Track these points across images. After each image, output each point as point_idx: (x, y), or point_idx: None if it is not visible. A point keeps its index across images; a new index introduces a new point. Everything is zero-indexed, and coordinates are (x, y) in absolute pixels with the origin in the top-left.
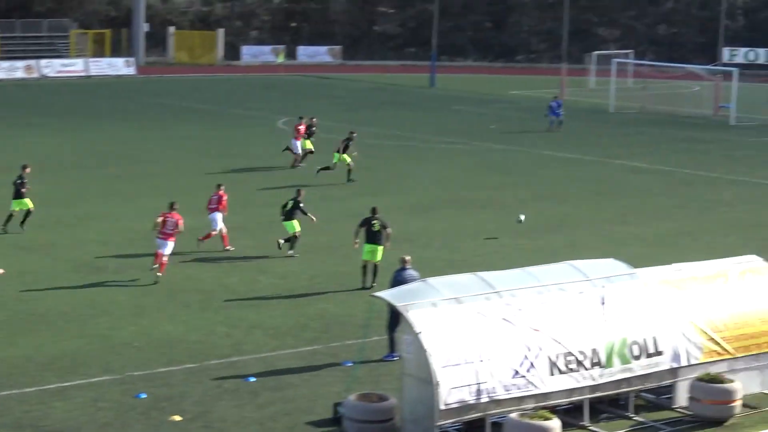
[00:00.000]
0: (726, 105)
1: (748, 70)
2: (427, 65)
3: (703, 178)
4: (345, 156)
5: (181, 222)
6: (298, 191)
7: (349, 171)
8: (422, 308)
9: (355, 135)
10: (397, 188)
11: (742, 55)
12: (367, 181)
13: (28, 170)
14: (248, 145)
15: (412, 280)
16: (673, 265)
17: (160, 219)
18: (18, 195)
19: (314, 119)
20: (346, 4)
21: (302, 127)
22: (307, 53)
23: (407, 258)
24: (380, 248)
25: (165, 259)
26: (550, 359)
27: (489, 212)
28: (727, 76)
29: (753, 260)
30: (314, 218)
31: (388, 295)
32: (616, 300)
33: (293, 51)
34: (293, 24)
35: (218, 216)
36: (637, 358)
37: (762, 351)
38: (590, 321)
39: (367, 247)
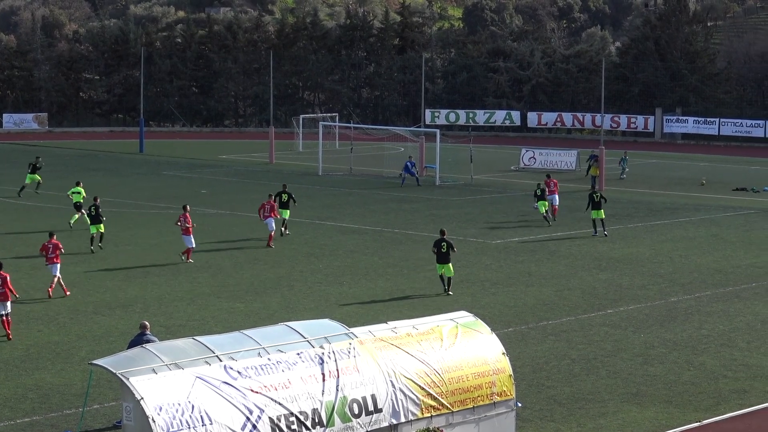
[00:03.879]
0: (431, 165)
1: (450, 131)
2: (135, 131)
3: (412, 237)
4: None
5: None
6: (284, 185)
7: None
8: (143, 374)
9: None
10: (110, 254)
11: (443, 116)
12: (81, 249)
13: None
14: None
15: None
16: (389, 323)
17: None
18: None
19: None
20: (50, 71)
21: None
22: (12, 121)
23: (147, 324)
24: (449, 265)
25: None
26: (272, 420)
27: (205, 274)
28: (430, 137)
29: (464, 316)
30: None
31: (107, 362)
32: (334, 359)
33: None
34: None
35: (272, 220)
36: (357, 416)
37: (477, 404)
38: (310, 381)
39: (438, 266)
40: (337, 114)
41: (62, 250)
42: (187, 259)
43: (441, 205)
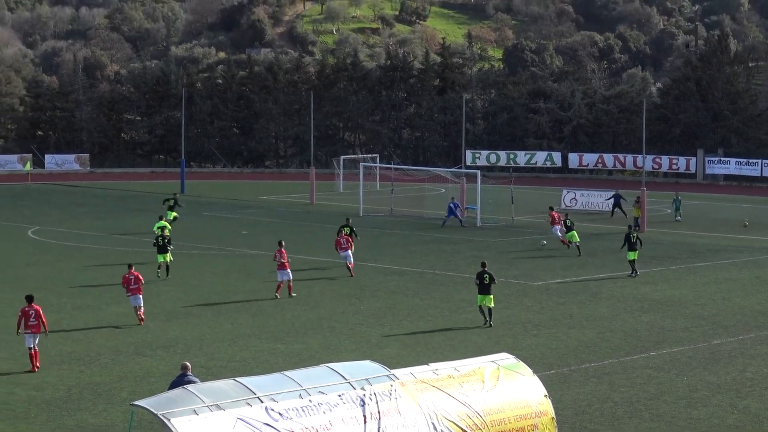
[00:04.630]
0: (472, 207)
1: (491, 172)
2: (176, 172)
3: (452, 278)
4: (574, 233)
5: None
6: (347, 219)
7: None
8: (184, 415)
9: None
10: (150, 295)
11: (484, 157)
12: (114, 289)
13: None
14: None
15: None
16: (430, 364)
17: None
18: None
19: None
20: (92, 112)
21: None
22: (55, 161)
23: (188, 364)
24: (491, 296)
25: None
26: None
27: (245, 315)
28: (471, 178)
29: (506, 357)
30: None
31: (148, 403)
32: (376, 401)
33: (41, 159)
34: (39, 132)
35: (350, 252)
36: None
37: None
38: (351, 423)
39: (480, 297)
40: (377, 155)
41: (143, 281)
42: (289, 293)
43: (482, 246)
